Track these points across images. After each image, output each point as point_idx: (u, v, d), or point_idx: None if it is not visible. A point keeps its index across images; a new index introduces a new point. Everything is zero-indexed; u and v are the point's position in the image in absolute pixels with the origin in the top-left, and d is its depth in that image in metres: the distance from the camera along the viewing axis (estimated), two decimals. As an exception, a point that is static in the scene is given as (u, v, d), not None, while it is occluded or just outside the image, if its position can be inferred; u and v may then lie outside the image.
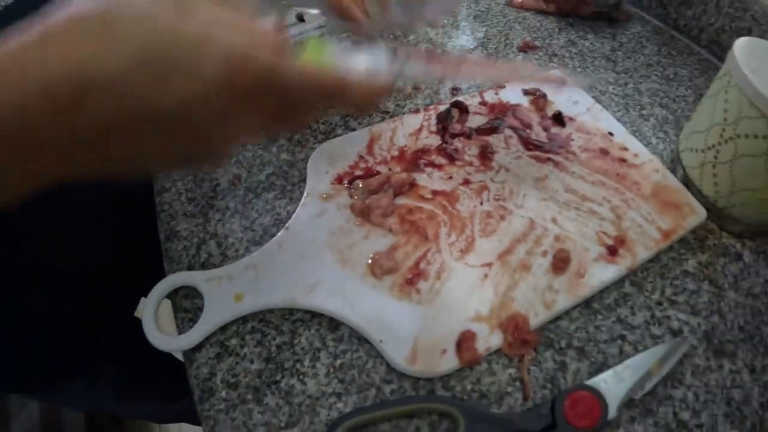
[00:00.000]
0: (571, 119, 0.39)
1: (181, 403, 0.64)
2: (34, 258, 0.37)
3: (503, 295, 0.30)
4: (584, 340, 0.31)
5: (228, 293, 0.30)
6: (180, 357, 0.32)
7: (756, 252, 0.36)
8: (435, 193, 0.35)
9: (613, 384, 0.29)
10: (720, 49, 0.48)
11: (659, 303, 0.33)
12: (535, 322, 0.30)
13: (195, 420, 0.81)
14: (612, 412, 0.28)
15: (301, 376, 0.29)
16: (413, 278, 0.31)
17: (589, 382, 0.29)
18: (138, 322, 0.29)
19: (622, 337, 0.31)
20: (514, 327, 0.29)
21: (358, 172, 0.36)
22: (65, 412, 0.73)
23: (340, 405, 0.28)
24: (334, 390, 0.29)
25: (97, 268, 0.42)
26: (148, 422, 0.96)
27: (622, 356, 0.31)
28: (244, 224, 0.35)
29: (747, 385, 0.31)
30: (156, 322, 0.30)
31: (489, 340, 0.29)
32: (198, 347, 0.30)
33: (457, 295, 0.30)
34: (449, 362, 0.28)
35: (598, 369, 0.30)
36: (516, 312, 0.30)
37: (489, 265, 0.31)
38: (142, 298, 0.31)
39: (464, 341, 0.28)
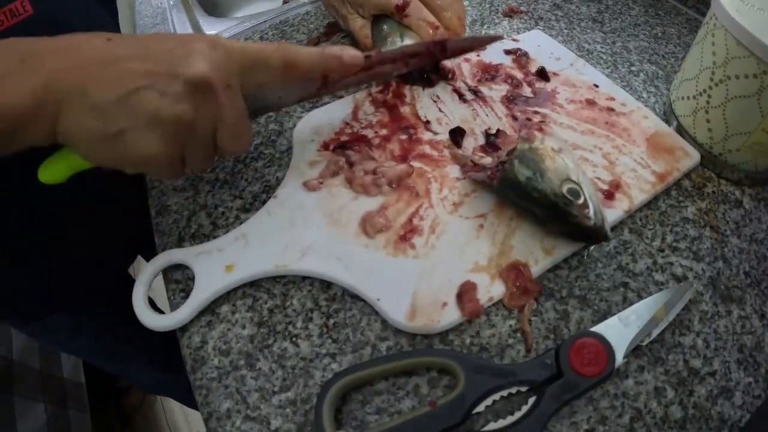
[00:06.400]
0: (555, 74, 0.39)
1: (167, 373, 0.63)
2: (35, 210, 0.38)
3: (501, 244, 0.29)
4: (586, 289, 0.30)
5: (219, 266, 0.29)
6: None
7: (757, 199, 0.36)
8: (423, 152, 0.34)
9: (619, 330, 0.28)
10: (707, 8, 0.48)
11: (660, 250, 0.32)
12: (536, 269, 0.29)
13: (178, 394, 0.80)
14: (619, 359, 0.27)
15: (294, 338, 0.28)
16: (407, 234, 0.30)
17: (594, 329, 0.28)
18: (126, 279, 0.28)
19: (625, 285, 0.30)
20: (515, 275, 0.28)
21: (344, 138, 0.35)
22: (72, 414, 0.71)
23: (334, 365, 0.27)
24: (328, 350, 0.28)
25: (91, 228, 0.44)
26: (158, 422, 0.94)
27: (626, 303, 0.30)
28: (234, 193, 0.35)
29: (758, 331, 0.30)
30: (147, 302, 0.29)
31: (490, 290, 0.28)
32: (189, 316, 0.29)
33: (454, 248, 0.29)
34: (451, 315, 0.27)
35: (602, 317, 0.29)
36: (516, 260, 0.29)
37: (483, 216, 0.31)
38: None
39: (465, 292, 0.27)
